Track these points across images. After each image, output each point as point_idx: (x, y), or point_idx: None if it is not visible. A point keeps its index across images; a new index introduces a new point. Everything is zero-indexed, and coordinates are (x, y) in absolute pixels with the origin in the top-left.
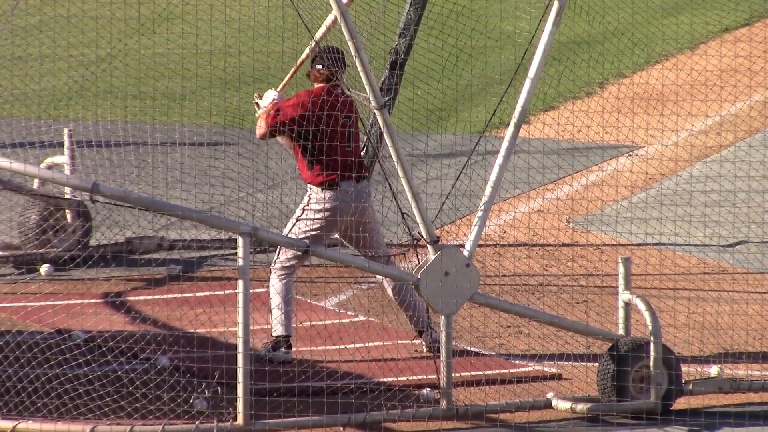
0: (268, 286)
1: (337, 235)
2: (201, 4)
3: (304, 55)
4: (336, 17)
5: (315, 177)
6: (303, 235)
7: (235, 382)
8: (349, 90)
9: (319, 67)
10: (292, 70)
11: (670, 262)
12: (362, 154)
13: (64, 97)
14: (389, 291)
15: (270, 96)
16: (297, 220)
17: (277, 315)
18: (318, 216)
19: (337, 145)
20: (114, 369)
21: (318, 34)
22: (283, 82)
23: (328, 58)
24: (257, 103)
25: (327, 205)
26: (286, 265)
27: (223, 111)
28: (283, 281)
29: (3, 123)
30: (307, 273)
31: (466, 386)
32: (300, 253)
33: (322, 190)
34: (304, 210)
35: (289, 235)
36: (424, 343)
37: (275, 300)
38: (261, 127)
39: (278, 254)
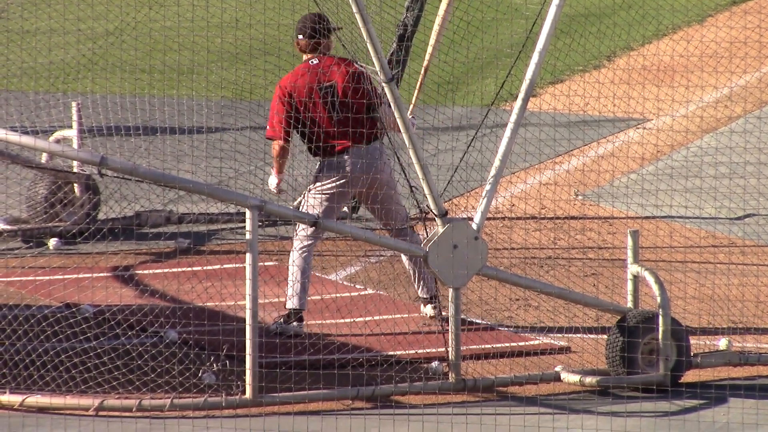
0: (276, 260)
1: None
2: None
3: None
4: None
5: (317, 151)
6: (313, 210)
7: (244, 355)
8: (357, 63)
9: (300, 37)
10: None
11: (679, 235)
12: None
13: (72, 71)
14: (404, 260)
15: (272, 182)
16: (309, 191)
17: (292, 287)
18: (328, 185)
19: (324, 117)
20: (123, 343)
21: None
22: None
23: (311, 28)
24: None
25: (332, 173)
26: (304, 240)
27: (232, 84)
28: (303, 255)
29: (12, 97)
30: (316, 247)
31: (475, 359)
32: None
33: (324, 158)
34: (315, 179)
35: (303, 209)
36: (429, 312)
37: (292, 273)
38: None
39: (296, 230)
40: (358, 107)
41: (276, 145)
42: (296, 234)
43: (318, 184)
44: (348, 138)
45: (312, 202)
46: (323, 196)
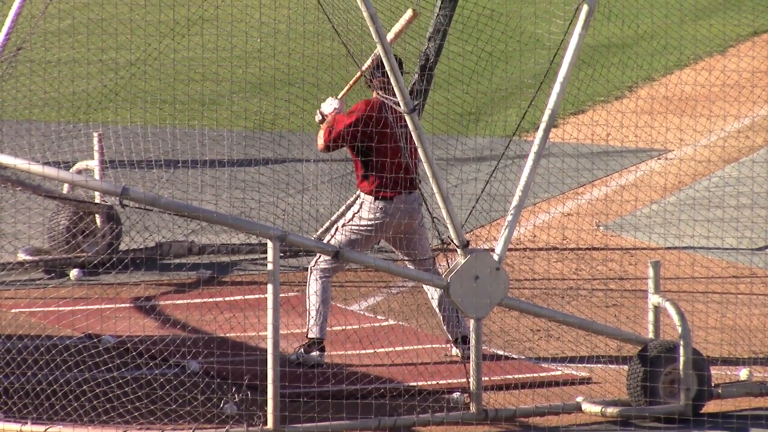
0: (298, 291)
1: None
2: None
3: (366, 65)
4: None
5: (369, 188)
6: (346, 240)
7: (266, 386)
8: (379, 93)
9: (379, 75)
10: (354, 77)
11: (701, 266)
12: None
13: (94, 102)
14: (434, 303)
15: (331, 105)
16: (343, 225)
17: (313, 317)
18: (365, 224)
19: (391, 150)
20: (144, 373)
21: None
22: (344, 90)
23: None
24: (320, 112)
25: (378, 215)
26: (324, 267)
27: (254, 115)
28: (323, 285)
29: (34, 127)
30: (337, 277)
31: (497, 390)
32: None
33: (375, 200)
34: (354, 216)
35: (333, 239)
36: (455, 351)
37: (312, 301)
38: (320, 140)
39: (317, 257)
40: (415, 154)
41: (322, 145)
42: (316, 263)
43: (358, 221)
44: (407, 183)
45: (347, 233)
46: (366, 229)
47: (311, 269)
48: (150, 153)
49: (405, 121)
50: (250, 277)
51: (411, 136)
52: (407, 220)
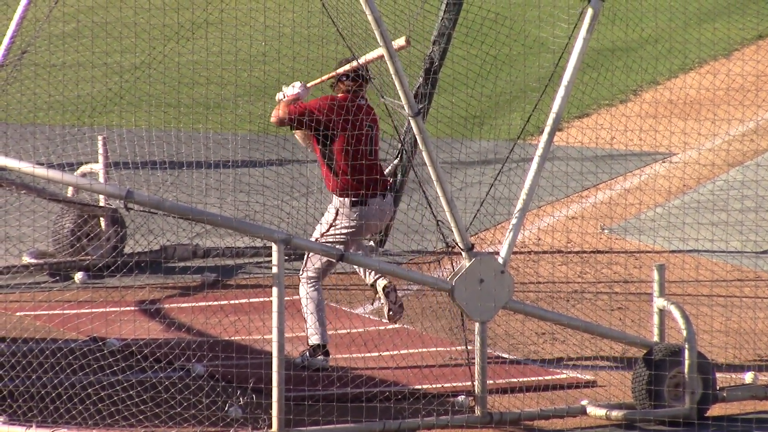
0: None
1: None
2: (238, 12)
3: (343, 69)
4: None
5: (341, 191)
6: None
7: (270, 389)
8: (383, 97)
9: (345, 79)
10: (328, 75)
11: (705, 269)
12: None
13: (99, 105)
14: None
15: (296, 86)
16: (322, 234)
17: (311, 323)
18: (343, 231)
19: (360, 152)
20: (149, 376)
21: (363, 59)
22: (314, 81)
23: (353, 72)
24: (283, 92)
25: (353, 222)
26: (314, 273)
27: (259, 118)
28: (315, 289)
29: (39, 131)
30: (341, 281)
31: (501, 393)
32: (329, 259)
33: (351, 206)
34: (330, 225)
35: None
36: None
37: (309, 308)
38: (278, 112)
39: (306, 262)
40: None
41: (279, 116)
42: (305, 268)
43: (336, 229)
44: (379, 184)
45: (330, 240)
46: (346, 234)
47: (301, 276)
48: (154, 156)
49: (372, 119)
50: (254, 280)
51: (376, 140)
52: (381, 222)
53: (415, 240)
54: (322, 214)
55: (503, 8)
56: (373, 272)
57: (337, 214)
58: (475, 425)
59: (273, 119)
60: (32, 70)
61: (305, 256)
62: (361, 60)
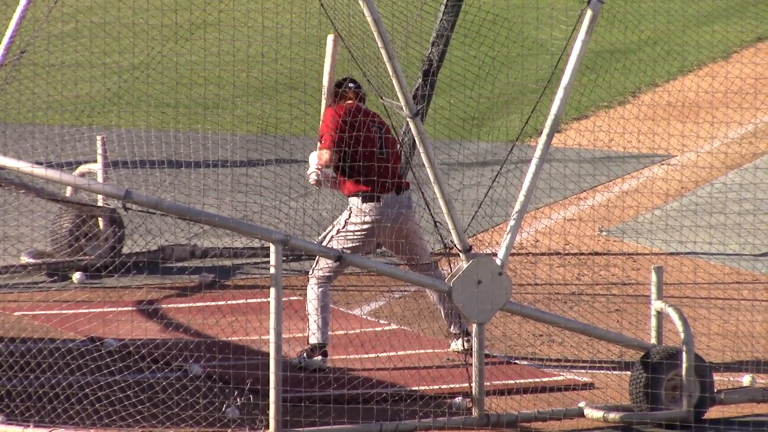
0: (300, 295)
1: (382, 247)
2: (236, 12)
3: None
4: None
5: (354, 189)
6: (341, 247)
7: (268, 390)
8: (382, 98)
9: (352, 85)
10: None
11: (703, 272)
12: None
13: (98, 105)
14: (433, 298)
15: (313, 158)
16: (338, 232)
17: (313, 323)
18: (358, 229)
19: (373, 154)
20: (147, 377)
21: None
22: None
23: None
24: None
25: (367, 218)
26: (324, 274)
27: (257, 119)
28: (320, 289)
29: (37, 130)
30: (340, 282)
31: (499, 395)
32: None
33: (363, 202)
34: (346, 223)
35: (327, 245)
36: (459, 347)
37: (311, 308)
38: (325, 155)
39: (316, 263)
40: (396, 157)
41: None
42: (314, 269)
43: (351, 226)
44: (392, 180)
45: (342, 240)
46: (360, 234)
47: (311, 276)
48: (153, 156)
49: (380, 120)
50: (252, 280)
51: (391, 141)
52: (403, 224)
53: None
54: (321, 215)
55: (502, 10)
56: (455, 325)
57: (350, 213)
58: (472, 427)
59: (326, 162)
60: (31, 69)
61: (316, 258)
62: (325, 82)
